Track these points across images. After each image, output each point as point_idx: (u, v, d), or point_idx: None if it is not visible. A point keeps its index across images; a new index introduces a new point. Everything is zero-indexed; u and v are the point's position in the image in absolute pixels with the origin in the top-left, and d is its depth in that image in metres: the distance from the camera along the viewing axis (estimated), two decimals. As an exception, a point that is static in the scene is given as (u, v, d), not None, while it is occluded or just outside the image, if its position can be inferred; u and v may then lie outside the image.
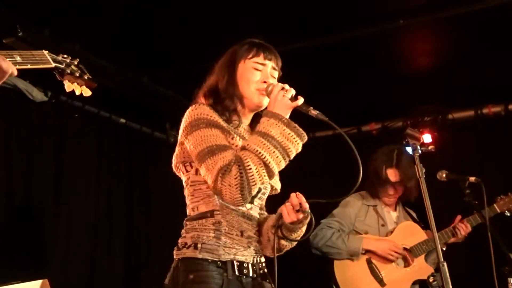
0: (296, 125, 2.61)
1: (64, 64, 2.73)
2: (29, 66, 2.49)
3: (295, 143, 2.59)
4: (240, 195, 2.51)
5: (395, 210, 5.01)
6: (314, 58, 5.35)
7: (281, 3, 4.56)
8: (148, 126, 6.48)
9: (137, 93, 5.82)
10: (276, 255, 2.74)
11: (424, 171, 3.10)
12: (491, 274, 4.13)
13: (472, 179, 4.55)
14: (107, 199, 5.91)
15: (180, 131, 2.76)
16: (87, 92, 2.83)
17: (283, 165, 2.60)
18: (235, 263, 2.68)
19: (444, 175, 4.78)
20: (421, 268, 4.79)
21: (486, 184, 4.43)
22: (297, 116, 2.69)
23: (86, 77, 2.82)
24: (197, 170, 2.72)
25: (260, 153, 2.53)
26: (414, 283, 4.77)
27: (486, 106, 6.31)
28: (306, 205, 2.68)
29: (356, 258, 4.72)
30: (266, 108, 2.78)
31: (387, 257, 4.70)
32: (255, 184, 2.53)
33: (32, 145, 5.26)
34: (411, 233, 4.86)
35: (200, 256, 2.64)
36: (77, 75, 2.78)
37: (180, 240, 2.75)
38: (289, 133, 2.58)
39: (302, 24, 4.85)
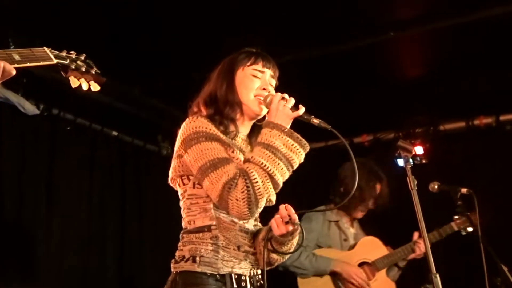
0: (299, 136, 2.62)
1: (68, 60, 2.69)
2: (28, 64, 2.44)
3: (299, 154, 2.61)
4: (247, 209, 2.51)
5: (353, 226, 5.06)
6: (305, 70, 5.35)
7: (272, 17, 4.57)
8: (140, 139, 6.47)
9: (129, 105, 5.82)
10: (266, 268, 2.72)
11: (416, 182, 3.10)
12: (483, 286, 4.13)
13: (464, 190, 4.57)
14: (100, 212, 5.88)
15: (178, 143, 2.74)
16: (95, 87, 2.79)
17: (287, 176, 2.61)
18: (233, 276, 2.67)
19: (436, 187, 4.79)
20: (383, 282, 4.87)
21: (478, 195, 4.44)
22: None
23: (93, 72, 2.78)
24: (194, 184, 2.71)
25: (265, 165, 2.53)
26: None
27: (478, 118, 6.33)
28: (295, 217, 2.66)
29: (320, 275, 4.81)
30: (264, 117, 2.81)
31: (351, 281, 4.75)
32: (262, 197, 2.54)
33: (24, 158, 5.24)
34: (373, 247, 4.93)
35: (199, 269, 2.62)
36: (83, 70, 2.73)
37: (177, 253, 2.72)
38: (292, 144, 2.59)
39: (290, 37, 4.86)
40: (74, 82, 2.72)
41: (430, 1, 4.47)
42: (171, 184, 2.86)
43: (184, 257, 2.67)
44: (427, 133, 6.41)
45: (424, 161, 6.21)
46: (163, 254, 6.12)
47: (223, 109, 2.79)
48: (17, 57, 2.40)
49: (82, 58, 2.77)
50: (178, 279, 2.66)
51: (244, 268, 2.73)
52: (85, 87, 2.75)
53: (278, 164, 2.55)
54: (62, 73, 2.69)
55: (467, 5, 4.47)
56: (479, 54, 5.18)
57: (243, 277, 2.71)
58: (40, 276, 5.15)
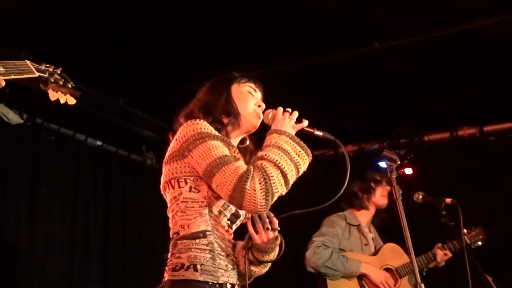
0: (305, 145, 2.64)
1: (47, 73, 2.70)
2: (12, 77, 2.45)
3: (305, 161, 2.62)
4: (264, 200, 2.49)
5: (371, 231, 5.07)
6: (290, 81, 5.36)
7: (254, 28, 4.58)
8: (125, 149, 6.44)
9: (113, 116, 5.80)
10: (248, 281, 2.72)
11: (401, 192, 3.11)
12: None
13: (448, 200, 4.60)
14: (84, 222, 5.84)
15: (177, 145, 2.71)
16: (71, 101, 2.80)
17: (294, 179, 2.61)
18: (229, 286, 2.67)
19: (420, 197, 4.83)
20: None
21: (462, 205, 4.45)
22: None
23: (70, 86, 2.79)
24: (191, 187, 2.68)
25: (279, 162, 2.54)
26: None
27: (462, 128, 6.36)
28: (275, 220, 2.68)
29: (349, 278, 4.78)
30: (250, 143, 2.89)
31: (379, 286, 4.74)
32: (278, 192, 2.53)
33: (7, 168, 5.20)
34: (396, 254, 4.93)
35: (201, 278, 2.59)
36: (61, 83, 2.74)
37: (174, 261, 2.66)
38: (300, 151, 2.61)
39: (276, 48, 4.87)
40: (53, 95, 2.73)
41: (413, 13, 4.48)
42: (163, 191, 2.82)
43: (183, 264, 2.62)
44: (411, 143, 6.43)
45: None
46: (147, 265, 6.16)
47: (221, 119, 2.82)
48: (1, 69, 2.42)
49: (59, 71, 2.78)
50: (178, 287, 2.62)
51: (234, 277, 2.71)
52: (62, 100, 2.77)
53: (289, 165, 2.56)
54: (42, 85, 2.70)
55: (450, 17, 4.50)
56: (462, 65, 5.20)
57: (236, 287, 2.71)
58: (23, 285, 5.11)
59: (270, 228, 2.68)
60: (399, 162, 3.23)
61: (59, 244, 5.54)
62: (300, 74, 5.28)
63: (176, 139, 2.72)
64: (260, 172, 2.51)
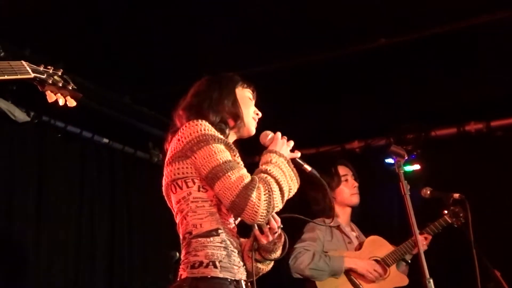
0: (296, 173, 2.74)
1: (45, 74, 2.68)
2: (6, 77, 2.44)
3: (295, 186, 2.71)
4: (266, 211, 2.56)
5: (353, 229, 5.07)
6: (298, 77, 5.35)
7: (260, 23, 4.57)
8: (131, 146, 6.45)
9: (119, 113, 5.81)
10: (255, 279, 2.78)
11: (409, 188, 3.10)
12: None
13: (456, 195, 4.58)
14: (90, 219, 5.85)
15: (179, 145, 2.72)
16: (71, 103, 2.78)
17: (285, 200, 2.68)
18: (243, 283, 2.71)
19: (428, 192, 4.81)
20: (396, 276, 4.84)
21: (470, 200, 4.44)
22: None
23: (70, 87, 2.77)
24: (199, 187, 2.70)
25: (280, 180, 2.62)
26: None
27: (469, 123, 6.33)
28: (277, 218, 2.74)
29: (337, 276, 4.75)
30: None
31: (367, 276, 4.73)
32: (277, 207, 2.63)
33: (13, 166, 5.21)
34: (379, 245, 4.92)
35: (221, 275, 2.64)
36: (60, 85, 2.72)
37: (191, 258, 2.68)
38: (293, 176, 2.70)
39: (284, 44, 4.86)
40: (50, 97, 2.72)
41: (420, 7, 4.46)
42: (165, 191, 2.83)
43: (202, 262, 2.65)
44: (418, 139, 6.42)
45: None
46: (153, 262, 6.16)
47: (228, 121, 2.87)
48: None
49: (59, 73, 2.76)
50: (199, 284, 2.64)
51: (243, 274, 2.75)
52: (61, 102, 2.75)
53: (286, 185, 2.65)
54: (39, 87, 2.69)
55: (456, 12, 4.48)
56: (469, 60, 5.19)
57: (249, 284, 2.76)
58: (29, 284, 5.11)
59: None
60: (406, 158, 3.21)
61: (65, 241, 5.55)
62: (306, 71, 5.27)
63: (179, 140, 2.73)
64: (266, 185, 2.57)
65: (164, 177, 2.81)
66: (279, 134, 2.83)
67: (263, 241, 2.74)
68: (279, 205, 2.61)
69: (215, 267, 2.63)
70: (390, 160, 3.23)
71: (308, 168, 2.83)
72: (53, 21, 4.42)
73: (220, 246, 2.66)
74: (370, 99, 5.89)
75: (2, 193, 5.08)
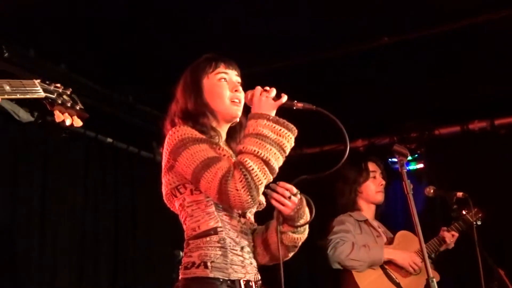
0: (285, 121, 2.63)
1: (55, 94, 2.68)
2: (18, 96, 2.45)
3: (288, 138, 2.60)
4: (249, 196, 2.51)
5: (378, 225, 5.04)
6: (300, 75, 5.35)
7: (266, 21, 4.57)
8: (135, 146, 6.45)
9: (123, 113, 5.82)
10: (288, 255, 2.82)
11: (412, 187, 3.10)
12: (480, 290, 4.14)
13: (459, 194, 4.58)
14: (94, 219, 5.85)
15: (165, 157, 2.74)
16: (78, 123, 2.77)
17: (281, 161, 2.60)
18: (242, 282, 2.67)
19: (432, 191, 4.81)
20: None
21: (474, 199, 4.44)
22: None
23: (78, 108, 2.77)
24: (192, 190, 2.69)
25: (258, 152, 2.53)
26: (425, 286, 4.77)
27: (473, 122, 6.33)
28: (289, 186, 2.69)
29: (374, 267, 4.74)
30: (241, 125, 2.85)
31: (407, 268, 4.69)
32: (261, 182, 2.54)
33: (17, 165, 5.22)
34: (410, 240, 4.87)
35: (211, 275, 2.60)
36: (69, 105, 2.72)
37: (185, 260, 2.69)
38: (280, 129, 2.59)
39: (286, 43, 4.86)
40: (58, 117, 2.71)
41: (423, 6, 4.46)
42: (167, 202, 2.83)
43: (194, 263, 2.64)
44: (422, 137, 6.41)
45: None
46: (158, 262, 6.17)
47: (200, 121, 2.79)
48: (7, 88, 2.41)
49: (68, 92, 2.75)
50: (190, 285, 2.64)
51: (250, 273, 2.72)
52: (68, 122, 2.73)
53: (270, 149, 2.55)
54: (48, 106, 2.68)
55: (460, 11, 4.48)
56: (473, 58, 5.18)
57: (250, 283, 2.70)
58: (33, 284, 5.12)
59: (291, 195, 2.69)
60: (409, 157, 3.21)
61: (69, 241, 5.56)
62: (309, 69, 5.28)
63: (165, 152, 2.75)
64: (240, 169, 2.51)
65: (162, 188, 2.83)
66: (257, 90, 2.72)
67: (286, 211, 2.70)
68: (264, 179, 2.54)
69: (206, 267, 2.61)
70: (393, 159, 3.22)
71: (300, 105, 2.70)
72: (57, 22, 4.43)
73: (216, 246, 2.64)
74: (374, 97, 5.88)
75: (7, 193, 5.09)
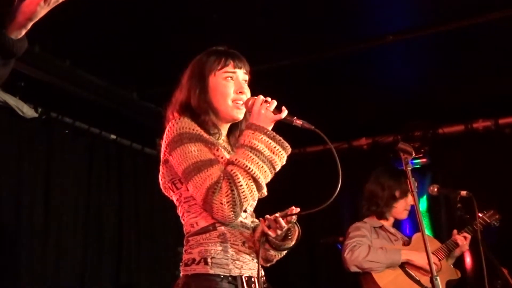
0: (281, 138, 2.61)
1: None
2: None
3: (281, 156, 2.59)
4: (232, 213, 2.51)
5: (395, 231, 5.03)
6: (306, 74, 5.35)
7: (268, 20, 4.57)
8: (138, 142, 6.45)
9: (127, 109, 5.82)
10: (268, 264, 2.80)
11: (416, 185, 3.10)
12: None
13: (463, 193, 4.57)
14: (97, 216, 5.86)
15: (163, 148, 2.73)
16: None
17: (269, 178, 2.60)
18: (244, 279, 2.65)
19: (435, 189, 4.80)
20: (448, 270, 4.82)
21: (477, 198, 4.43)
22: (287, 128, 2.69)
23: None
24: (187, 186, 2.68)
25: (249, 168, 2.52)
26: (446, 284, 4.77)
27: (477, 121, 6.32)
28: (288, 218, 2.63)
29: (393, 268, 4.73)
30: (242, 120, 2.82)
31: (426, 268, 4.67)
32: (247, 200, 2.53)
33: (21, 162, 5.22)
34: (427, 241, 4.86)
35: (212, 271, 2.59)
36: None
37: (186, 257, 2.68)
38: (274, 147, 2.57)
39: (292, 41, 4.86)
40: None
41: (427, 4, 4.46)
42: (164, 192, 2.83)
43: (194, 259, 2.63)
44: (426, 136, 6.41)
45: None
46: (161, 259, 6.18)
47: (199, 116, 2.76)
48: None
49: None
50: (190, 282, 2.63)
51: (253, 269, 2.70)
52: None
53: (262, 167, 2.54)
54: None
55: (464, 9, 4.47)
56: (477, 57, 5.17)
57: (252, 279, 2.68)
58: (36, 281, 5.13)
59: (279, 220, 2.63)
60: (414, 155, 3.20)
61: (73, 237, 5.56)
62: (313, 68, 5.27)
63: (163, 142, 2.74)
64: (228, 182, 2.50)
65: (160, 178, 2.83)
66: (258, 100, 2.68)
67: (271, 234, 2.66)
68: (250, 196, 2.53)
69: (206, 263, 2.59)
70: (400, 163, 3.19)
71: (299, 122, 2.64)
72: (62, 18, 4.42)
73: (216, 242, 2.62)
74: (378, 96, 5.88)
75: (10, 189, 5.09)
